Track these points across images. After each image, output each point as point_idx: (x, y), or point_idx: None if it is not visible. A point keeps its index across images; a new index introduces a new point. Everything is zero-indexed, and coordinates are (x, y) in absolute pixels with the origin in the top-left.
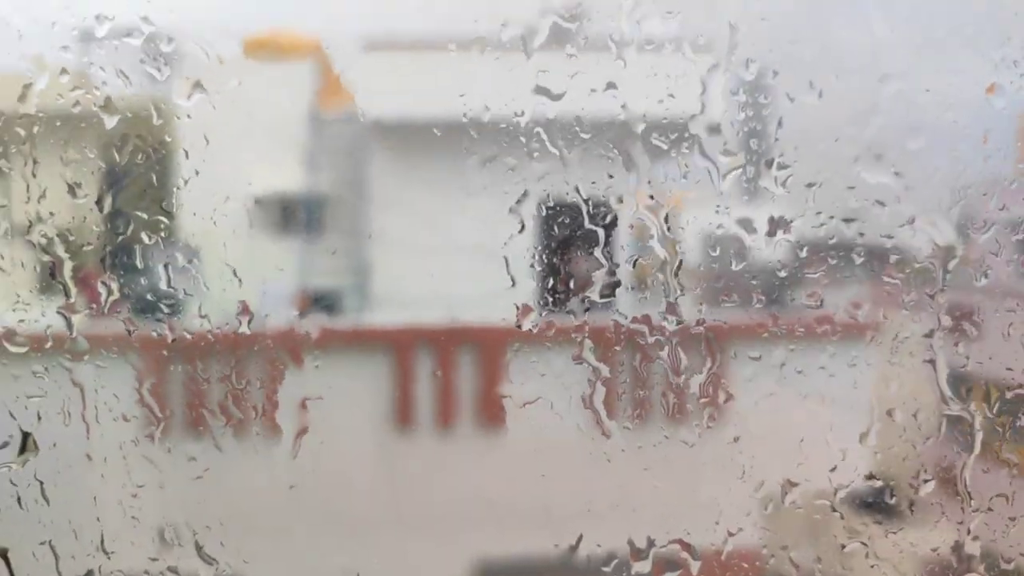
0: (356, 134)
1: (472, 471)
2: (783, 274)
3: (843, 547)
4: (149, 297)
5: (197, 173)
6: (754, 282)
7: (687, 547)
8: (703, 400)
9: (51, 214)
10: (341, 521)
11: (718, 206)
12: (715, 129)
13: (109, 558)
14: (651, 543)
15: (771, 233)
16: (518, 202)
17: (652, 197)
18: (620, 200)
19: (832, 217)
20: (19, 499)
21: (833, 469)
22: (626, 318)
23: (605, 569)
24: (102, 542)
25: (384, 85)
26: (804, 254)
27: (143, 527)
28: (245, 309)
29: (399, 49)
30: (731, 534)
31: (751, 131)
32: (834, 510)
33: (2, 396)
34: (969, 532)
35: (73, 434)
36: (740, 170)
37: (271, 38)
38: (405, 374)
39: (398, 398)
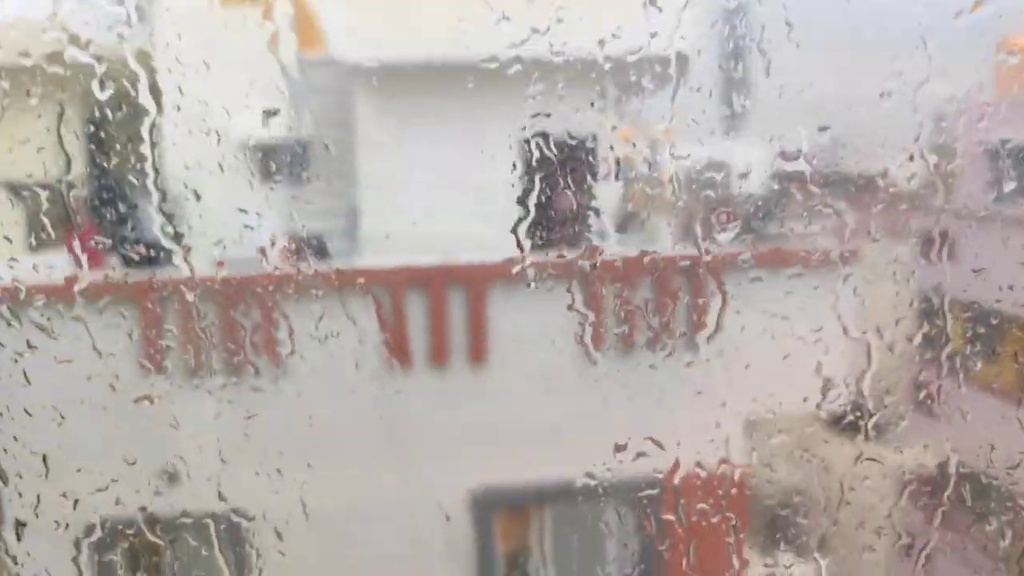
0: (337, 77)
1: (465, 405)
2: (764, 204)
3: (824, 467)
4: (135, 245)
5: (183, 120)
6: (736, 212)
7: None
8: (688, 328)
9: (35, 167)
10: (337, 456)
11: (700, 139)
12: (695, 62)
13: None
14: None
15: (752, 164)
16: (504, 140)
17: (637, 132)
18: (605, 136)
19: (812, 146)
20: None
21: (815, 392)
22: (613, 252)
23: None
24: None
25: (363, 26)
26: (784, 184)
27: (144, 465)
28: (235, 254)
29: None
30: (721, 460)
31: (731, 63)
32: (815, 431)
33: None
34: (947, 448)
35: (67, 375)
36: (722, 102)
37: None
38: (397, 313)
39: (390, 337)
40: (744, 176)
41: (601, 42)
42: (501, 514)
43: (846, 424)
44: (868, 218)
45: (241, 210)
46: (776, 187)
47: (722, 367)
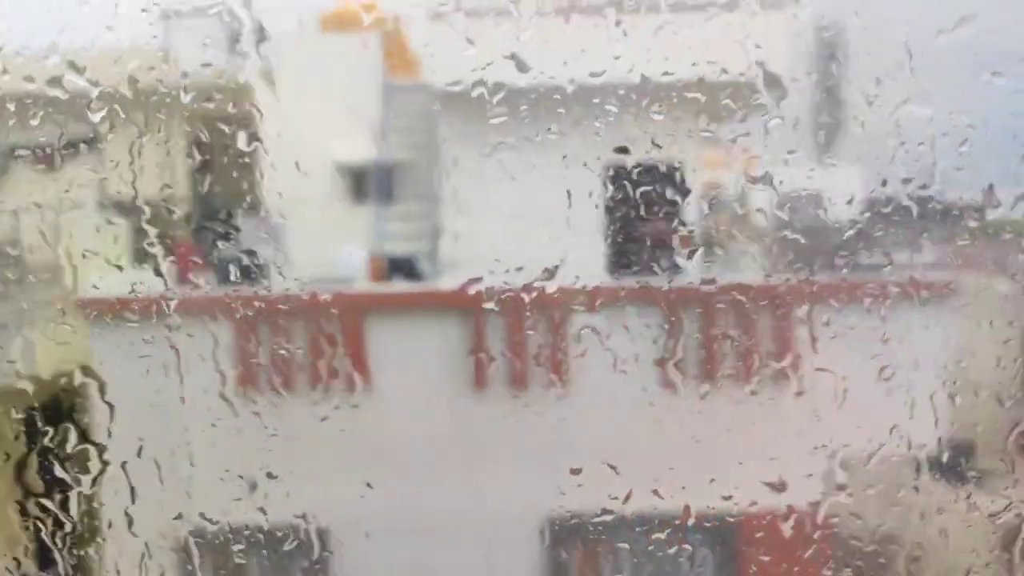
0: (426, 101)
1: (543, 429)
2: (858, 235)
3: (920, 511)
4: (235, 264)
5: (279, 145)
6: (829, 242)
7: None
8: (777, 360)
9: (142, 186)
10: (418, 472)
11: (792, 166)
12: (788, 89)
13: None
14: (728, 499)
15: (846, 193)
16: (590, 165)
17: (726, 159)
18: (693, 163)
19: (909, 179)
20: None
21: (910, 431)
22: (699, 279)
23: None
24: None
25: (452, 51)
26: (879, 214)
27: (228, 475)
28: (326, 274)
29: (467, 17)
30: (813, 496)
31: (827, 91)
32: (911, 472)
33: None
34: None
35: (168, 387)
36: (815, 129)
37: (344, 12)
38: (478, 336)
39: (472, 359)
40: (837, 204)
41: (694, 65)
42: (578, 543)
43: (943, 467)
44: (968, 249)
45: (332, 231)
46: (870, 216)
47: (811, 403)
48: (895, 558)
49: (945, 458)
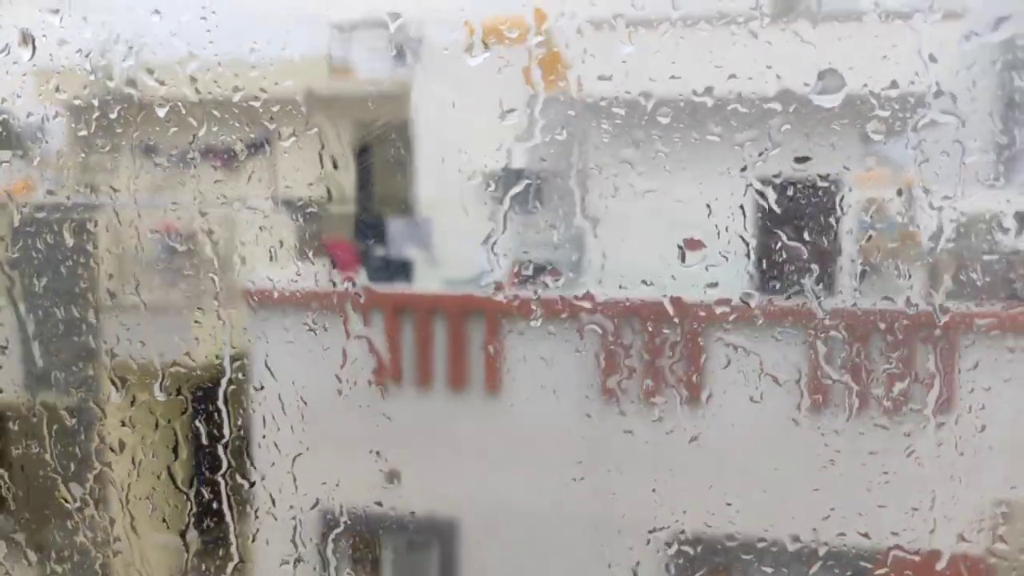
0: (575, 112)
1: (675, 446)
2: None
3: None
4: (388, 263)
5: (435, 150)
6: (996, 270)
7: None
8: (934, 394)
9: (307, 189)
10: (545, 480)
11: (958, 186)
12: (956, 105)
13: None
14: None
15: (1018, 219)
16: (739, 179)
17: (885, 177)
18: (848, 180)
19: None
20: None
21: None
22: (850, 302)
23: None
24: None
25: (603, 63)
26: None
27: (368, 467)
28: (470, 275)
29: (622, 27)
30: (962, 539)
31: (998, 108)
32: None
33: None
34: None
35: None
36: (984, 150)
37: (502, 20)
38: (614, 347)
39: (606, 370)
40: (1007, 229)
41: (856, 79)
42: (703, 566)
43: None
44: None
45: (478, 236)
46: None
47: (964, 441)
48: None
49: None
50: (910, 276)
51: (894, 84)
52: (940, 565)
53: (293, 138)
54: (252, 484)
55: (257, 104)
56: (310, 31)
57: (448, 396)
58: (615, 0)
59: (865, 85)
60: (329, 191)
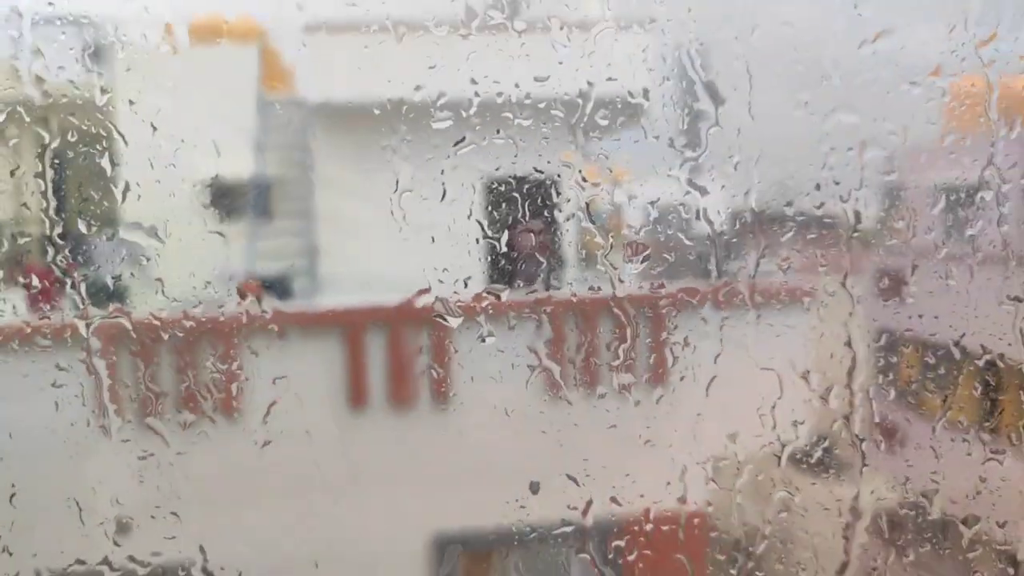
0: (301, 117)
1: (426, 446)
2: (719, 243)
3: (780, 507)
4: (99, 285)
5: (145, 160)
6: (692, 252)
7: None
8: (648, 368)
9: None
10: (300, 497)
11: (657, 180)
12: (652, 104)
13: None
14: (607, 502)
15: (707, 205)
16: (463, 182)
17: (595, 173)
18: (564, 177)
19: (762, 186)
20: None
21: (769, 429)
22: (571, 292)
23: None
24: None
25: (326, 68)
26: (739, 224)
27: (100, 515)
28: (198, 295)
29: (340, 32)
30: (678, 498)
31: (688, 106)
32: (772, 467)
33: None
34: (906, 482)
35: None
36: (677, 145)
37: (214, 23)
38: (357, 355)
39: (351, 378)
40: (699, 217)
41: (564, 85)
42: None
43: (804, 463)
44: (819, 256)
45: (202, 251)
46: (729, 227)
47: (676, 409)
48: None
49: (806, 455)
50: (621, 263)
51: (597, 89)
52: (666, 520)
53: None
54: None
55: None
56: None
57: (188, 427)
58: (334, 3)
59: (569, 88)
60: (20, 211)
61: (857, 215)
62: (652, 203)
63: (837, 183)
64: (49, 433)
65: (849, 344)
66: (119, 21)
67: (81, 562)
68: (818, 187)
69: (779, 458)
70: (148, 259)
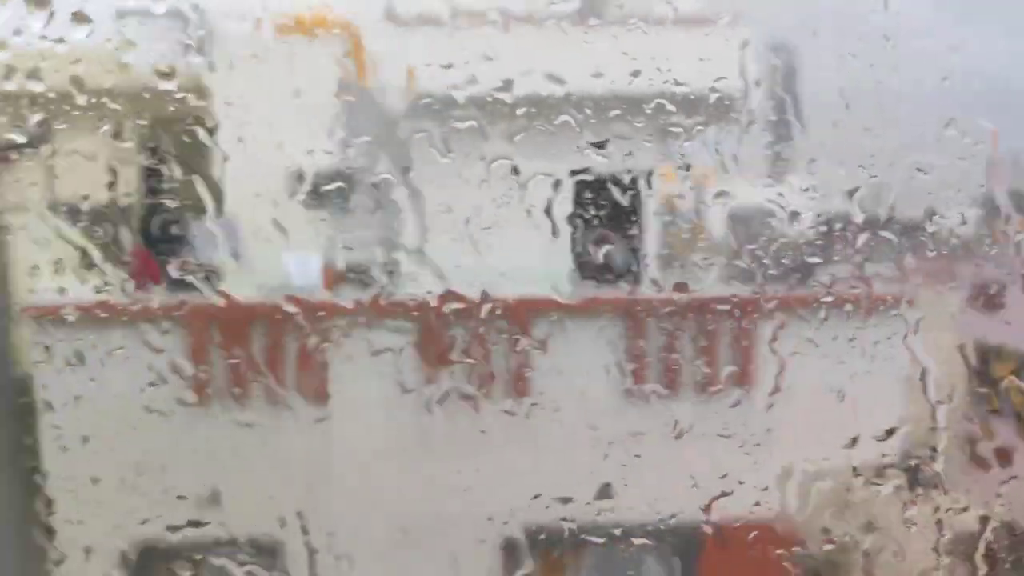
0: (386, 108)
1: (506, 442)
2: (810, 248)
3: (869, 520)
4: (190, 270)
5: (236, 150)
6: (782, 256)
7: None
8: (731, 371)
9: (91, 190)
10: (368, 488)
11: (746, 181)
12: (744, 106)
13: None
14: (672, 515)
15: (799, 208)
16: (552, 176)
17: (680, 173)
18: (652, 175)
19: (862, 190)
20: None
21: (861, 440)
22: (657, 291)
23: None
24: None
25: (415, 59)
26: (831, 229)
27: (191, 490)
28: (282, 281)
29: (429, 23)
30: (757, 504)
31: (782, 108)
32: (862, 480)
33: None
34: (999, 498)
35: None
36: (770, 147)
37: (303, 15)
38: (438, 346)
39: (430, 370)
40: (792, 220)
41: (656, 82)
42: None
43: (894, 475)
44: (919, 264)
45: (289, 239)
46: (824, 231)
47: (762, 413)
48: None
49: (896, 468)
50: (707, 265)
51: (687, 88)
52: (744, 529)
53: (74, 136)
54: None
55: (30, 96)
56: (94, 18)
57: (264, 412)
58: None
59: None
60: (119, 193)
61: (963, 218)
62: (741, 204)
63: (933, 191)
64: (145, 412)
65: (947, 355)
66: (213, 14)
67: (174, 528)
68: (917, 193)
69: (870, 470)
70: (239, 246)
